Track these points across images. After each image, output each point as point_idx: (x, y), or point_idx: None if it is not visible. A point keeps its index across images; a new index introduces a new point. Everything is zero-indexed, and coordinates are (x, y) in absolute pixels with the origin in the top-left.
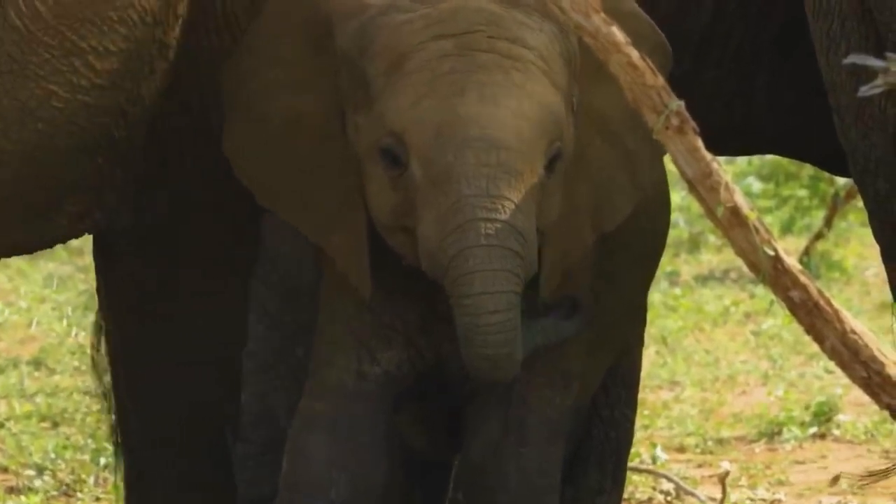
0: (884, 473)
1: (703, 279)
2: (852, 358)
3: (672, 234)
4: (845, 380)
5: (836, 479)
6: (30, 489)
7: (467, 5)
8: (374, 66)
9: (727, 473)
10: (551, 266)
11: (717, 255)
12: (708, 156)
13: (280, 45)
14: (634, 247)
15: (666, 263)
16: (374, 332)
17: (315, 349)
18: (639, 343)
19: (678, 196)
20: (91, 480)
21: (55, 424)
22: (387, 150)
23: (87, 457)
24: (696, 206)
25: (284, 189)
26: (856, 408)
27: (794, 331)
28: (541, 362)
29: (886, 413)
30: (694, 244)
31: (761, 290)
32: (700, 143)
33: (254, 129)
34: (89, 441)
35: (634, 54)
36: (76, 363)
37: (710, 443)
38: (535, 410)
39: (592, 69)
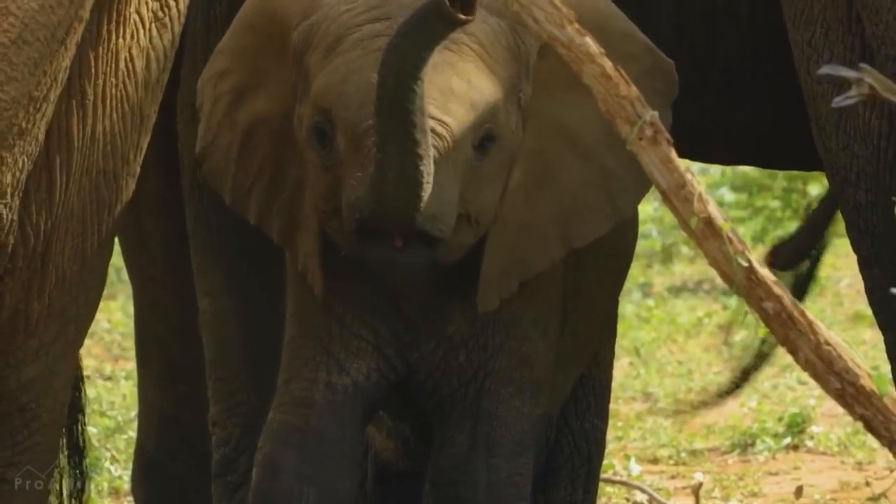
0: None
1: (677, 290)
2: (826, 369)
3: (645, 245)
4: (819, 391)
5: (799, 491)
6: None
7: None
8: (315, 53)
9: (700, 485)
10: (502, 272)
11: (691, 266)
12: (681, 167)
13: (246, 49)
14: (602, 260)
15: (639, 274)
16: (343, 343)
17: (283, 361)
18: (610, 353)
19: (651, 207)
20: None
21: None
22: (317, 128)
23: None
24: (670, 217)
25: (251, 194)
26: (829, 419)
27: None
28: (507, 373)
29: (860, 424)
30: (667, 255)
31: (735, 301)
32: (674, 153)
33: (222, 134)
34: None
35: (608, 65)
36: None
37: (683, 454)
38: (503, 422)
39: (564, 83)
